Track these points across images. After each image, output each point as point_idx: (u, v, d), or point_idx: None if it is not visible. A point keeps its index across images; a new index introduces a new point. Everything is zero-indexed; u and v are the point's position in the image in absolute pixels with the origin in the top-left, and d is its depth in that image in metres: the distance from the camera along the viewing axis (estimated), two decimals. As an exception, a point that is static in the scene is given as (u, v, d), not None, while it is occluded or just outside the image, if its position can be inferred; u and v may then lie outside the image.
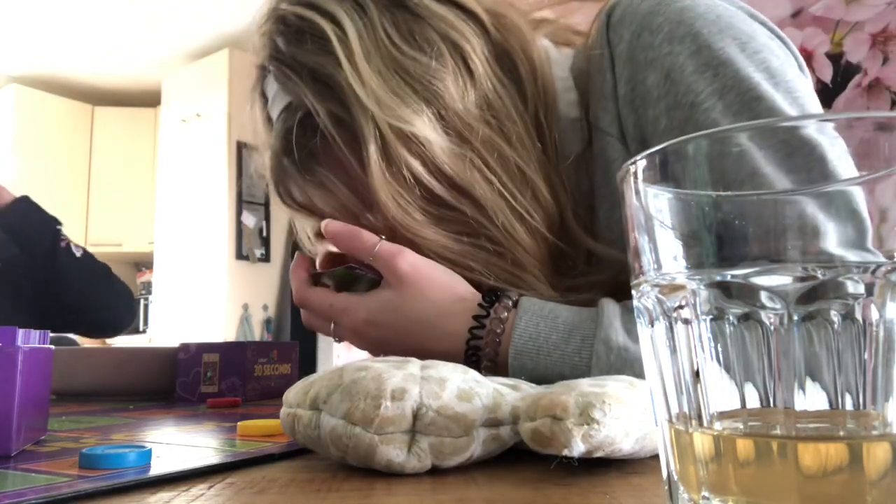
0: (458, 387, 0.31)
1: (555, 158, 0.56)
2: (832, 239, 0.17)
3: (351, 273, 0.54)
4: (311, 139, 0.54)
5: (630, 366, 0.45)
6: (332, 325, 0.55)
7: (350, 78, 0.51)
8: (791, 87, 0.48)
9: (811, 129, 0.18)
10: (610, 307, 0.48)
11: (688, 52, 0.50)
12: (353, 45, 0.52)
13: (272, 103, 0.59)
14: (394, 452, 0.28)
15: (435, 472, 0.30)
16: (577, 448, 0.27)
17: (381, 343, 0.53)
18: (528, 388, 0.35)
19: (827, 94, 1.24)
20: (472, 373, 0.33)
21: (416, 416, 0.29)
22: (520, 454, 0.32)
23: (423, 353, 0.41)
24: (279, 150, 0.57)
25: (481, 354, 0.51)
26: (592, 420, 0.27)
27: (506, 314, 0.50)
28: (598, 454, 0.28)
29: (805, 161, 0.18)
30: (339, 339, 0.56)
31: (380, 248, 0.52)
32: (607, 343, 0.46)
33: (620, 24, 0.54)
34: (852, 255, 0.17)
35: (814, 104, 0.50)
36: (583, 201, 0.58)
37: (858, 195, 0.17)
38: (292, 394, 0.32)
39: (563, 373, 0.47)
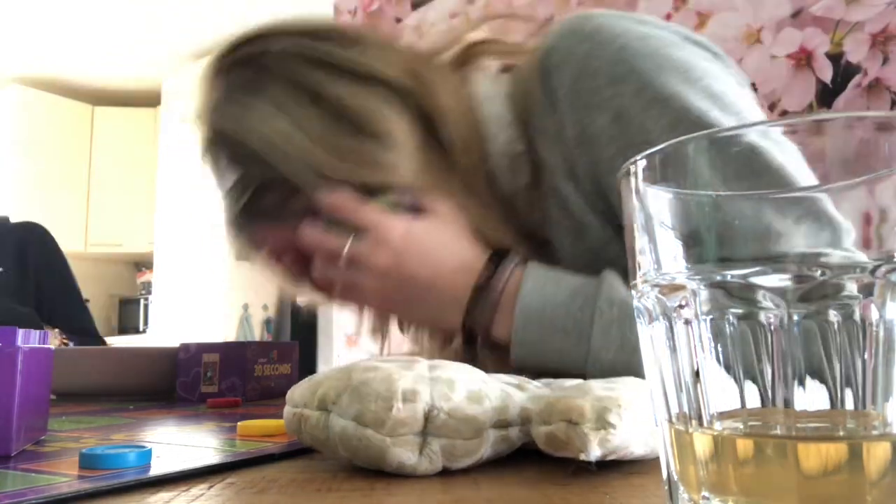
0: (467, 388, 0.31)
1: (495, 200, 0.58)
2: (800, 241, 0.18)
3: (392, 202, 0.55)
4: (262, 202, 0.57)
5: (632, 317, 0.46)
6: (350, 242, 0.54)
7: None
8: (737, 108, 0.50)
9: (753, 136, 0.19)
10: (612, 274, 0.50)
11: (631, 91, 0.50)
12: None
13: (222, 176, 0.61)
14: (405, 455, 0.28)
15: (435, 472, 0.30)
16: (594, 453, 0.27)
17: (398, 268, 0.53)
18: (534, 388, 0.35)
19: (827, 94, 1.24)
20: (479, 372, 0.33)
21: (427, 417, 0.29)
22: (520, 454, 0.32)
23: (431, 299, 0.50)
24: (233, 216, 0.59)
25: (483, 304, 0.52)
26: (609, 425, 0.27)
27: (509, 274, 0.53)
28: (612, 457, 0.28)
29: (748, 167, 0.18)
30: (346, 263, 0.55)
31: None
32: (610, 300, 0.48)
33: (558, 70, 0.54)
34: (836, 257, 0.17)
35: (757, 116, 0.52)
36: (536, 233, 0.59)
37: (825, 199, 0.18)
38: (297, 393, 0.32)
39: (567, 327, 0.49)
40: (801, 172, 0.18)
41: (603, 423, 0.27)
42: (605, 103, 0.52)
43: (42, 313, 1.34)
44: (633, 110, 0.50)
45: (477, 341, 0.54)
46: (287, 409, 0.32)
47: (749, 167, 0.18)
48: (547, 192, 0.57)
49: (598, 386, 0.30)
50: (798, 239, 0.17)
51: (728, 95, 0.50)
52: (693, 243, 0.19)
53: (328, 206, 0.54)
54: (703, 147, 0.19)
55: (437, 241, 0.54)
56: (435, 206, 0.55)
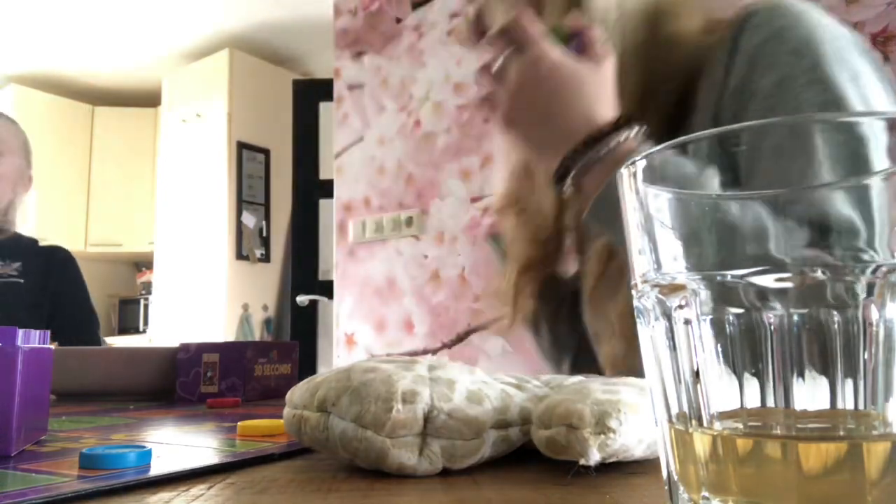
0: (467, 388, 0.31)
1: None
2: (800, 242, 0.17)
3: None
4: None
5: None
6: (506, 55, 0.58)
7: None
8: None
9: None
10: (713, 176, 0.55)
11: (805, 66, 0.55)
12: None
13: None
14: (406, 456, 0.28)
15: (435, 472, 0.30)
16: (594, 457, 0.27)
17: (538, 97, 0.57)
18: (534, 388, 0.35)
19: (827, 94, 1.24)
20: (479, 373, 0.33)
21: (427, 419, 0.29)
22: (520, 454, 0.32)
23: (546, 132, 0.56)
24: None
25: None
26: (609, 429, 0.27)
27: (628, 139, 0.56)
28: (612, 460, 0.28)
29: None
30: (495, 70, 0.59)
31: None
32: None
33: (756, 29, 0.59)
34: (847, 255, 0.17)
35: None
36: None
37: (836, 197, 0.17)
38: (297, 394, 0.32)
39: None
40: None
41: (602, 428, 0.27)
42: (777, 67, 0.56)
43: (53, 335, 1.36)
44: (798, 81, 0.54)
45: (566, 182, 0.57)
46: (287, 411, 0.32)
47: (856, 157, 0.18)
48: (694, 125, 0.61)
49: (598, 388, 0.30)
50: (798, 239, 0.17)
51: (877, 104, 0.55)
52: (693, 243, 0.19)
53: (511, 18, 0.58)
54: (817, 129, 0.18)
55: (578, 84, 0.57)
56: (600, 54, 0.58)
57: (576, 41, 0.58)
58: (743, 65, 0.59)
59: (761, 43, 0.58)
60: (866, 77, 0.56)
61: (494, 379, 0.34)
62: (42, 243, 1.55)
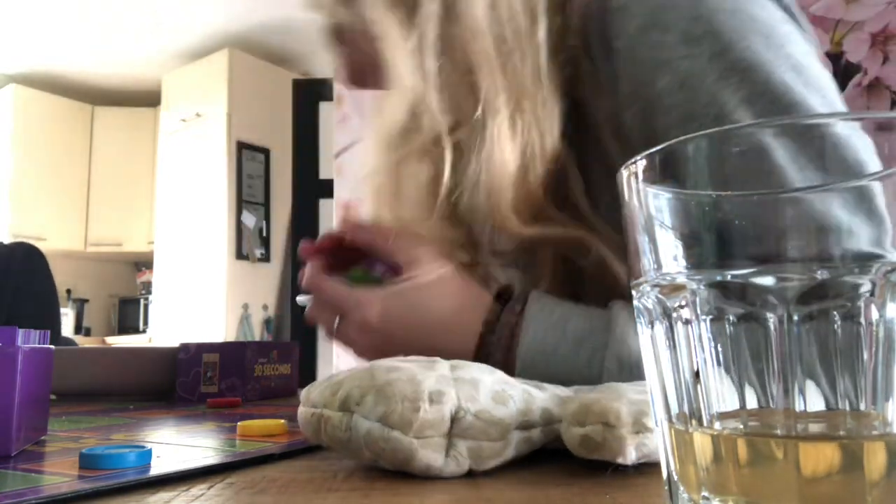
0: (491, 389, 0.30)
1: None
2: (857, 238, 0.17)
3: (367, 275, 0.54)
4: None
5: (641, 376, 0.44)
6: (337, 320, 0.53)
7: None
8: (820, 83, 0.45)
9: (839, 128, 0.17)
10: (623, 316, 0.46)
11: (707, 54, 0.44)
12: None
13: None
14: (433, 457, 0.28)
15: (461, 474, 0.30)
16: (630, 457, 0.27)
17: (386, 341, 0.51)
18: (553, 389, 0.35)
19: (827, 94, 1.24)
20: (499, 373, 0.33)
21: (454, 419, 0.28)
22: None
23: (431, 353, 0.40)
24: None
25: (491, 360, 0.49)
26: (645, 429, 0.27)
27: (514, 319, 0.49)
28: (644, 461, 0.28)
29: (836, 161, 0.17)
30: (336, 338, 0.54)
31: (398, 238, 0.52)
32: (619, 359, 0.44)
33: (623, 13, 0.48)
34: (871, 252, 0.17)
35: (838, 99, 0.47)
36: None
37: (833, 198, 0.17)
38: (315, 393, 0.31)
39: (573, 381, 0.46)
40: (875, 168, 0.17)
41: (640, 427, 0.27)
42: (672, 63, 0.45)
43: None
44: (707, 78, 0.44)
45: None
46: (304, 410, 0.31)
47: (833, 160, 0.17)
48: (590, 142, 0.53)
49: (630, 389, 0.30)
50: (798, 239, 0.17)
51: (812, 68, 0.45)
52: (693, 243, 0.19)
53: (350, 228, 0.53)
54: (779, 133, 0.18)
55: (421, 304, 0.51)
56: (415, 263, 0.51)
57: (381, 269, 0.54)
58: (625, 65, 0.48)
59: (637, 33, 0.47)
60: (780, 31, 0.45)
61: (516, 380, 0.34)
62: (8, 241, 1.57)
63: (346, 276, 0.55)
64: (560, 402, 0.32)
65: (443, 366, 0.31)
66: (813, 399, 0.17)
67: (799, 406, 0.17)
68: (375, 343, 0.52)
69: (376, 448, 0.28)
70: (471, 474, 0.29)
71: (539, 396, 0.32)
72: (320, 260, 0.56)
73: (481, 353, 0.50)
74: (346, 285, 0.54)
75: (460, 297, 0.51)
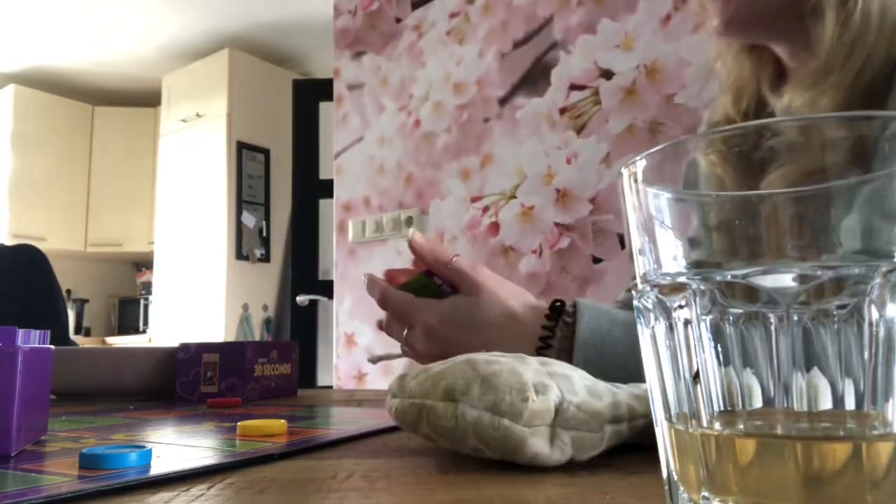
0: (583, 384, 0.31)
1: None
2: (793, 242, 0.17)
3: (428, 280, 0.58)
4: None
5: None
6: (406, 330, 0.58)
7: None
8: None
9: None
10: None
11: None
12: None
13: None
14: (541, 444, 0.29)
15: (432, 472, 0.30)
16: None
17: (448, 345, 0.55)
18: (628, 388, 0.35)
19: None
20: (581, 370, 0.34)
21: (557, 410, 0.29)
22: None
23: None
24: None
25: (549, 354, 0.54)
26: None
27: (570, 319, 0.54)
28: None
29: None
30: (409, 346, 0.59)
31: (456, 261, 0.57)
32: None
33: None
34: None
35: None
36: None
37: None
38: (414, 384, 0.32)
39: (627, 365, 0.50)
40: None
41: None
42: None
43: None
44: None
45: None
46: (400, 401, 0.32)
47: None
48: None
49: None
50: (799, 239, 0.17)
51: None
52: (693, 243, 0.19)
53: (415, 247, 0.58)
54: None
55: (480, 308, 0.55)
56: (473, 280, 0.56)
57: (438, 281, 0.58)
58: None
59: None
60: None
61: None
62: (9, 242, 1.55)
63: (408, 283, 0.59)
64: (640, 400, 0.33)
65: (533, 361, 0.32)
66: (813, 399, 0.17)
67: (799, 406, 0.17)
68: (438, 347, 0.56)
69: (485, 436, 0.29)
70: (470, 473, 0.29)
71: (623, 393, 0.33)
72: (386, 278, 0.62)
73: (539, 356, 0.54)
74: (409, 294, 0.59)
75: (518, 301, 0.56)
